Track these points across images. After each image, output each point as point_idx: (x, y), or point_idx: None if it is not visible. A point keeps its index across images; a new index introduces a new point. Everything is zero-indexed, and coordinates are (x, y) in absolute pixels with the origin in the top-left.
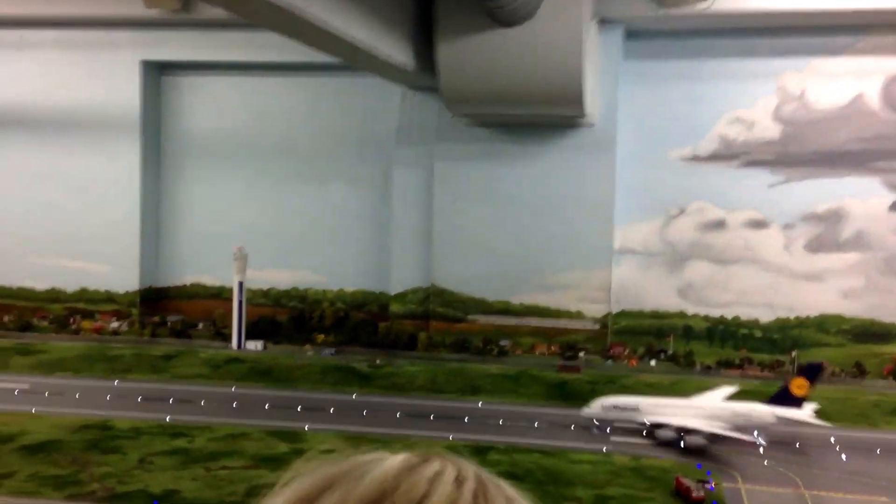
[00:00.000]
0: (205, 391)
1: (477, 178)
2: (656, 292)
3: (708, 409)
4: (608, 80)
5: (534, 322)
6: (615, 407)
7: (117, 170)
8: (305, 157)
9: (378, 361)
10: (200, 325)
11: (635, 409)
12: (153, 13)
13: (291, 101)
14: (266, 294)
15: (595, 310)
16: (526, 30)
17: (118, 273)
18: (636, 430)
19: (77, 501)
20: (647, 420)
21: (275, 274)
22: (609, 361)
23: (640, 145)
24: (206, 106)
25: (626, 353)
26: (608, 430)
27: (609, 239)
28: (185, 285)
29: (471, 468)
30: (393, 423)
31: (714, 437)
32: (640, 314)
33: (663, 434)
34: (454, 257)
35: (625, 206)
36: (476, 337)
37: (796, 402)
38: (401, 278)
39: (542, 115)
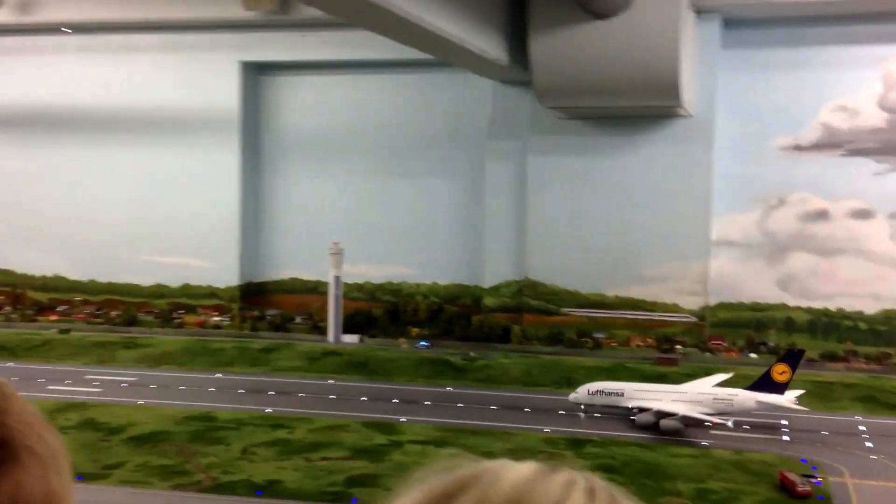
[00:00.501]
0: (303, 383)
1: (570, 170)
2: (755, 284)
3: (691, 393)
4: (706, 69)
5: (629, 314)
6: (600, 392)
7: (218, 168)
8: (399, 152)
9: (472, 354)
10: (298, 319)
11: (620, 394)
12: (251, 15)
13: (385, 97)
14: (361, 288)
15: (692, 302)
16: (621, 21)
17: (219, 269)
18: (620, 414)
19: (183, 491)
20: (631, 405)
21: (369, 268)
22: (707, 354)
23: (738, 135)
24: (303, 104)
25: (724, 345)
26: (594, 415)
27: (707, 230)
28: (282, 280)
29: (600, 481)
30: (488, 416)
31: (689, 420)
32: (738, 306)
33: (643, 418)
34: (547, 250)
35: (723, 197)
36: (570, 329)
37: (778, 388)
38: (494, 271)
39: (638, 106)
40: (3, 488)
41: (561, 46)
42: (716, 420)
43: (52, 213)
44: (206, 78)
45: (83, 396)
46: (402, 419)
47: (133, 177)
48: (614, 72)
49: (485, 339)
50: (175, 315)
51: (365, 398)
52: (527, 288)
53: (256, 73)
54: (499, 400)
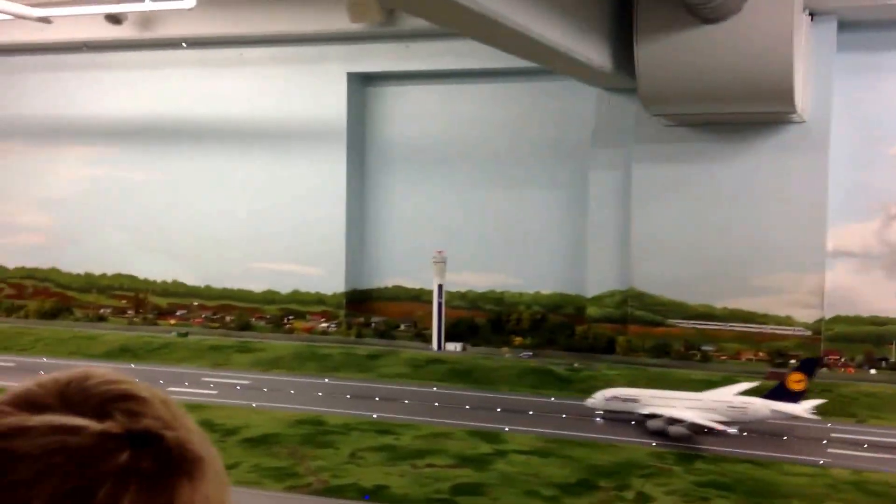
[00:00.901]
0: (408, 390)
1: (677, 179)
2: (875, 297)
3: (705, 401)
4: (821, 74)
5: (738, 327)
6: (616, 398)
7: (326, 178)
8: (502, 161)
9: (576, 365)
10: (402, 327)
11: (635, 401)
12: (358, 27)
13: (488, 106)
14: (463, 297)
15: (806, 315)
16: (732, 25)
17: (327, 276)
18: (635, 420)
19: (295, 493)
20: (646, 411)
21: (472, 277)
22: (823, 369)
23: (856, 141)
24: (407, 114)
25: (841, 360)
26: (611, 420)
27: (822, 240)
28: (386, 288)
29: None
30: (593, 428)
31: (696, 427)
32: (856, 320)
33: (653, 424)
34: (653, 260)
35: (839, 206)
36: (677, 341)
37: (793, 396)
38: (597, 281)
39: (749, 112)
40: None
41: (668, 52)
42: (719, 427)
43: (171, 222)
44: (315, 89)
45: (200, 398)
46: (506, 428)
47: (246, 186)
48: (724, 77)
49: (589, 350)
50: (285, 321)
51: (468, 406)
52: (632, 298)
53: (362, 84)
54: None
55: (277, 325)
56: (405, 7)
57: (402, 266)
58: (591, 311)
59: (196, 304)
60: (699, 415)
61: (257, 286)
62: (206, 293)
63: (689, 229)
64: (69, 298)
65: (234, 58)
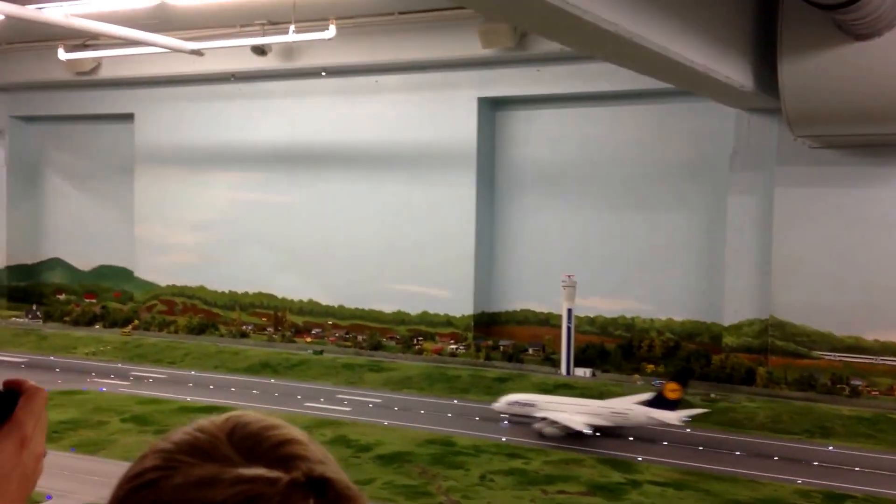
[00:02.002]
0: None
1: (823, 203)
2: None
3: (592, 407)
4: None
5: (891, 361)
6: (517, 403)
7: (456, 201)
8: (633, 184)
9: (713, 395)
10: (530, 350)
11: (533, 405)
12: (489, 52)
13: (619, 128)
14: (593, 322)
15: None
16: (885, 41)
17: (455, 298)
18: (531, 422)
19: None
20: (539, 415)
21: (602, 302)
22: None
23: None
24: (537, 137)
25: None
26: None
27: None
28: (515, 311)
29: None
30: (732, 462)
31: (568, 429)
32: None
33: (536, 426)
34: (796, 288)
35: None
36: (823, 374)
37: (669, 404)
38: (735, 309)
39: None
40: None
41: (816, 71)
42: (582, 429)
43: (308, 243)
44: (446, 114)
45: (336, 414)
46: (639, 458)
47: (379, 209)
48: (877, 96)
49: (726, 380)
50: (415, 341)
51: (598, 434)
52: (773, 328)
53: (492, 108)
54: (744, 445)
55: (407, 345)
56: (538, 31)
57: (531, 289)
58: (728, 339)
59: (330, 322)
60: (580, 419)
61: (388, 307)
62: (339, 312)
63: (836, 256)
64: (215, 315)
65: (370, 85)
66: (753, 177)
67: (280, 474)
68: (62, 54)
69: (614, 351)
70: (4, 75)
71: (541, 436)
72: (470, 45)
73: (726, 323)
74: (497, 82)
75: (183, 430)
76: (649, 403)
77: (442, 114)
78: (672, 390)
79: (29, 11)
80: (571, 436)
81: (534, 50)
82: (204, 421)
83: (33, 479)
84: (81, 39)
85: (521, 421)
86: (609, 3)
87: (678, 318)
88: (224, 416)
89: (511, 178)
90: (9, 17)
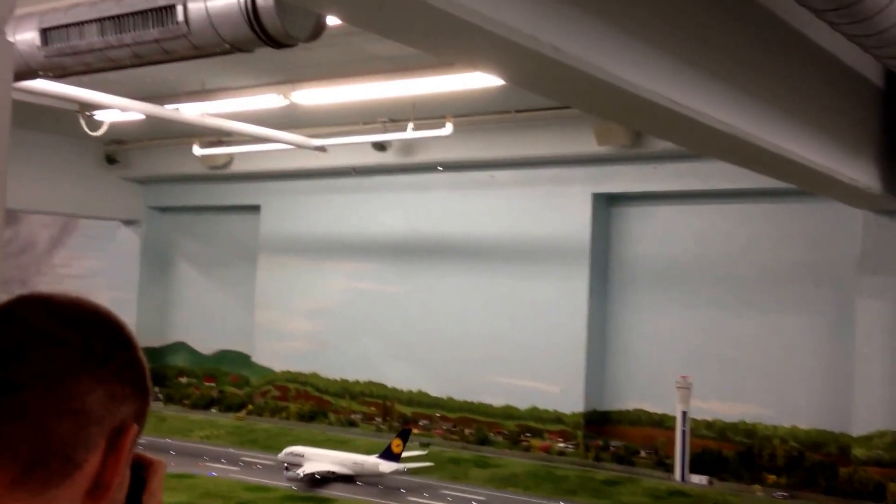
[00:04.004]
0: None
1: None
2: None
3: (341, 459)
4: None
5: None
6: (292, 453)
7: (568, 296)
8: (752, 284)
9: None
10: (643, 453)
11: (302, 456)
12: (605, 150)
13: (737, 226)
14: (710, 426)
15: None
16: None
17: (565, 394)
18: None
19: None
20: (304, 464)
21: (719, 405)
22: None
23: None
24: (652, 233)
25: None
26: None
27: None
28: (627, 410)
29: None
30: None
31: (309, 476)
32: None
33: (290, 474)
34: None
35: None
36: None
37: (394, 457)
38: (865, 419)
39: None
40: None
41: None
42: (289, 474)
43: (419, 333)
44: (560, 209)
45: None
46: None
47: (490, 301)
48: None
49: (854, 495)
50: (522, 437)
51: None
52: None
53: (607, 204)
54: None
55: (514, 441)
56: (651, 132)
57: (645, 389)
58: (858, 451)
59: (438, 414)
60: (327, 466)
61: (496, 400)
62: (447, 404)
63: None
64: (326, 402)
65: (485, 180)
66: (885, 281)
67: None
68: (197, 150)
69: (733, 458)
70: (144, 169)
71: (295, 480)
72: (585, 142)
73: (855, 433)
74: (612, 179)
75: None
76: (382, 455)
77: (556, 209)
78: (396, 446)
79: (167, 112)
80: (316, 480)
81: (649, 147)
82: None
83: None
84: (215, 136)
85: (293, 469)
86: (723, 104)
87: (803, 426)
88: None
89: (624, 275)
90: (149, 117)
